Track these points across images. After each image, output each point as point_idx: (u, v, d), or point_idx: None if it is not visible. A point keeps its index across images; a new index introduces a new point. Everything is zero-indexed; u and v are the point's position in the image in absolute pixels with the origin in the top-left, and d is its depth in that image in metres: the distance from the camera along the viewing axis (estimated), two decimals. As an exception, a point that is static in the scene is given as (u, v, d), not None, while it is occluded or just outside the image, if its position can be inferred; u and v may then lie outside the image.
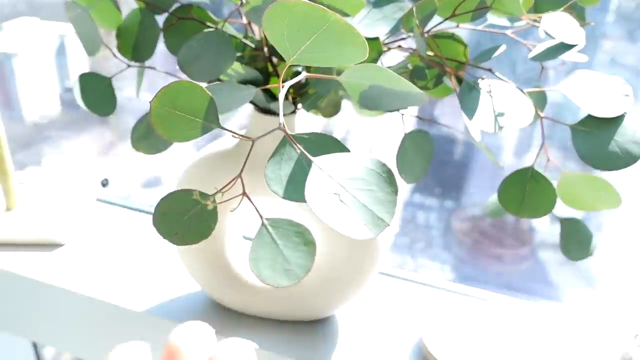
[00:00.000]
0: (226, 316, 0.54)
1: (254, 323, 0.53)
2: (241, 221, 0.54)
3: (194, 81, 0.25)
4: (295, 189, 0.28)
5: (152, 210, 0.73)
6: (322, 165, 0.26)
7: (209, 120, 0.26)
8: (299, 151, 0.28)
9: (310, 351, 0.51)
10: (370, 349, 0.52)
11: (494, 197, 0.43)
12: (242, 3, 0.37)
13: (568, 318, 0.57)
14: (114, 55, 0.42)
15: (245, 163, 0.28)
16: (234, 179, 0.28)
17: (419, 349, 0.52)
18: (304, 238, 0.27)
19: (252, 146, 0.28)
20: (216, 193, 0.28)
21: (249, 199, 0.28)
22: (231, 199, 0.27)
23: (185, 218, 0.28)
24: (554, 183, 0.40)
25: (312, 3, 0.24)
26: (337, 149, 0.30)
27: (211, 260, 0.51)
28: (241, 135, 0.27)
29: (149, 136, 0.42)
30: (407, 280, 0.62)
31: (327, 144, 0.30)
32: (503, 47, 0.36)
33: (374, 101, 0.34)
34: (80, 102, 0.38)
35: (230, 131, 0.27)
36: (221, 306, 0.55)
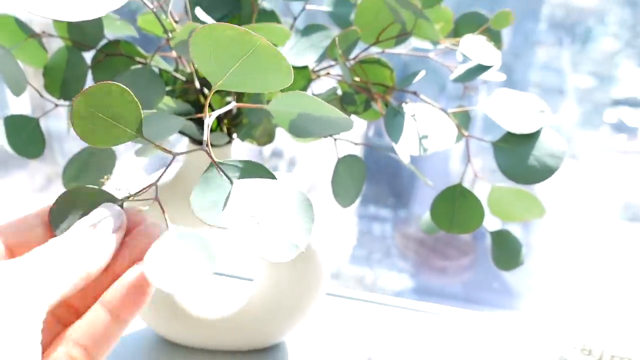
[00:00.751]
0: (175, 351, 0.53)
1: (204, 356, 0.53)
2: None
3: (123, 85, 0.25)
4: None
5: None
6: (242, 188, 0.27)
7: (134, 130, 0.26)
8: (223, 176, 0.28)
9: (262, 379, 0.51)
10: (321, 372, 0.52)
11: (427, 215, 0.45)
12: (168, 37, 0.38)
13: (514, 326, 0.59)
14: (41, 96, 0.41)
15: (162, 174, 0.28)
16: (148, 186, 0.28)
17: (369, 368, 0.52)
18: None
19: (171, 160, 0.28)
20: (127, 198, 0.28)
21: (160, 204, 0.28)
22: (144, 200, 0.27)
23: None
24: (483, 197, 0.42)
25: (239, 27, 0.25)
26: (264, 176, 0.30)
27: (154, 295, 0.50)
28: (163, 148, 0.28)
29: (80, 176, 0.41)
30: (355, 300, 0.63)
31: (254, 171, 0.30)
32: (423, 73, 0.38)
33: (303, 129, 0.34)
34: (6, 146, 0.37)
35: (157, 145, 0.27)
36: (168, 342, 0.54)
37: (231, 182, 0.27)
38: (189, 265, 0.25)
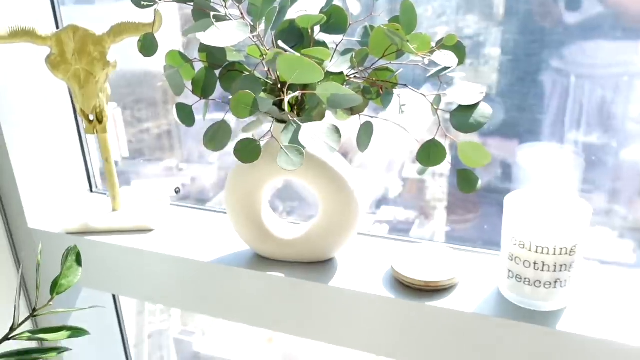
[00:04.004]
0: (263, 262, 0.82)
1: (281, 265, 0.81)
2: (270, 196, 0.82)
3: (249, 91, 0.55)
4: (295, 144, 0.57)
5: (215, 209, 1.02)
6: (306, 127, 0.55)
7: (254, 108, 0.56)
8: (295, 125, 0.57)
9: (319, 277, 0.78)
10: (356, 276, 0.78)
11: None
12: (263, 58, 0.68)
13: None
14: (192, 93, 0.72)
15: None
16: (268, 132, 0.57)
17: (390, 273, 0.78)
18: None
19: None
20: (261, 138, 0.58)
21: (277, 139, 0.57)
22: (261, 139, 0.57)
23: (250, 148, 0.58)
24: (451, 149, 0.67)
25: (298, 55, 0.54)
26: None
27: (253, 223, 0.79)
28: (271, 117, 0.57)
29: (215, 138, 0.72)
30: (382, 238, 0.89)
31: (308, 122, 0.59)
32: (400, 70, 0.65)
33: (335, 102, 0.63)
34: (177, 118, 0.69)
35: (267, 114, 0.57)
36: (259, 256, 0.83)
37: (300, 125, 0.56)
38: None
